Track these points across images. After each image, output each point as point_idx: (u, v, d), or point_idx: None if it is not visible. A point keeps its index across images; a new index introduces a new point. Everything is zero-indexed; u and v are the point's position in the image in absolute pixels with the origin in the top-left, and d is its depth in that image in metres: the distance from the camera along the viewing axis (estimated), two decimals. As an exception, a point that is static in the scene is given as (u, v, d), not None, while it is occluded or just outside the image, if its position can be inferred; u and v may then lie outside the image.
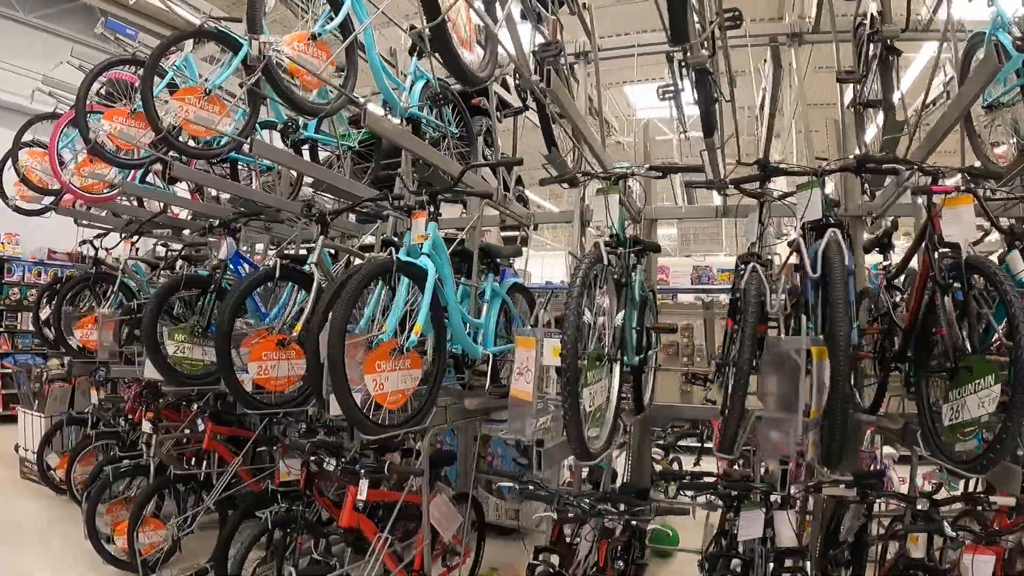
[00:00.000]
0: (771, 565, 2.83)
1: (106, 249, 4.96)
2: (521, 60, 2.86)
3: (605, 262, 2.40)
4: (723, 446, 2.42)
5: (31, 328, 8.51)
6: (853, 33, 3.31)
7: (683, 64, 2.99)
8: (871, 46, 2.96)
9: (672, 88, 3.14)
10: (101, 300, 4.77)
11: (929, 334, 2.44)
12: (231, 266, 3.94)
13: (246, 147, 4.04)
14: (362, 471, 2.88)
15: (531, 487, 2.86)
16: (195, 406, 4.22)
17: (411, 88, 3.62)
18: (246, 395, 3.24)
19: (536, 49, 2.94)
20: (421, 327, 2.70)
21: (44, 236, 8.58)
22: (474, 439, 4.92)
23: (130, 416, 4.61)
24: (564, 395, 2.04)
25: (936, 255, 2.31)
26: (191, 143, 3.50)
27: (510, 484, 2.93)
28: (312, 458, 3.11)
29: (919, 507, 2.80)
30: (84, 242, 4.92)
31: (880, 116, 3.63)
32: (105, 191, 4.40)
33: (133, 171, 4.26)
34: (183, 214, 5.41)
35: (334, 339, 2.46)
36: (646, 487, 3.62)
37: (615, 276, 2.52)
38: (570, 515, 2.70)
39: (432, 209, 3.01)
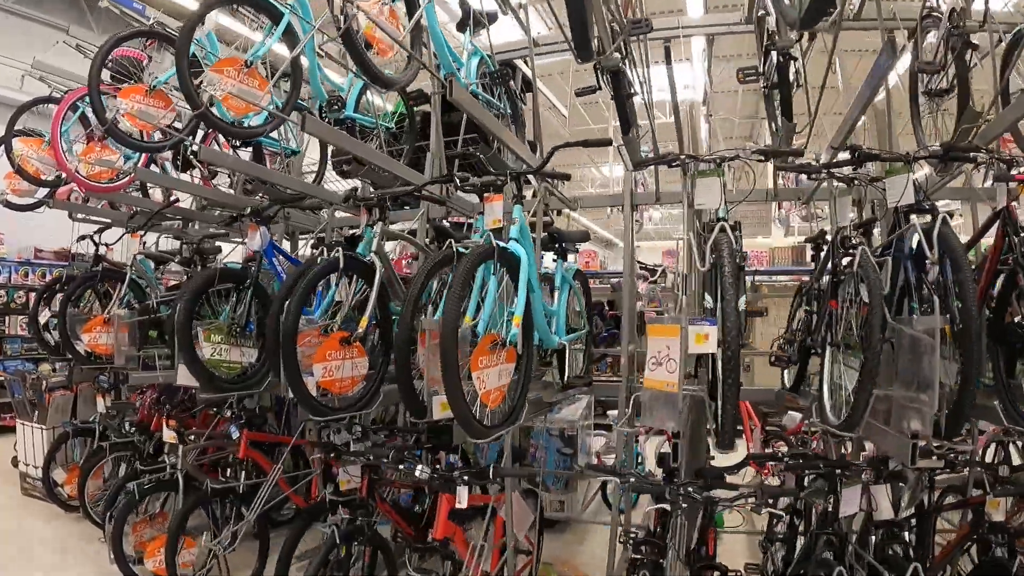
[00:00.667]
0: (872, 538, 2.88)
1: (106, 245, 4.50)
2: (605, 37, 2.74)
3: (734, 246, 2.32)
4: (850, 426, 2.41)
5: (21, 332, 7.93)
6: (919, 23, 3.34)
7: (767, 48, 2.93)
8: (950, 40, 3.00)
9: (753, 71, 3.07)
10: (104, 300, 4.33)
11: (1002, 312, 2.54)
12: (266, 258, 3.65)
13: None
14: (462, 478, 2.71)
15: (632, 479, 2.77)
16: (228, 412, 3.89)
17: (467, 64, 3.43)
18: (313, 400, 2.98)
19: (626, 26, 2.80)
20: (520, 319, 2.56)
21: (31, 234, 7.84)
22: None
23: (145, 424, 4.22)
24: (727, 383, 1.96)
25: (1016, 239, 2.41)
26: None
27: (611, 478, 2.83)
28: (402, 466, 2.91)
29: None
30: (83, 237, 4.45)
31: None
32: (107, 181, 3.99)
33: (145, 156, 3.88)
34: (185, 204, 4.98)
35: (448, 334, 2.28)
36: (721, 471, 3.61)
37: (737, 260, 2.45)
38: (683, 505, 2.63)
39: (516, 190, 2.86)
